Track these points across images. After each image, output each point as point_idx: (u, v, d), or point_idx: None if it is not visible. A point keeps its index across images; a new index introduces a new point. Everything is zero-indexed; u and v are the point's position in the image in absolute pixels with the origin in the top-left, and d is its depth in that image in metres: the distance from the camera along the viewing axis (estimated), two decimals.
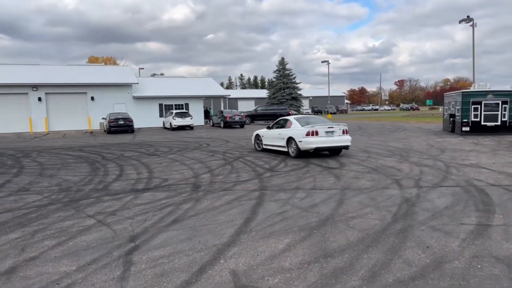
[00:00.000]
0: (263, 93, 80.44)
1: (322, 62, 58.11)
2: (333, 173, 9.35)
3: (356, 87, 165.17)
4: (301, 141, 11.90)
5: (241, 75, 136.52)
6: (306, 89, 77.66)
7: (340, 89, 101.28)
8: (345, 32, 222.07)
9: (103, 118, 28.93)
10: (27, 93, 29.37)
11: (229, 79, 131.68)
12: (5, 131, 27.82)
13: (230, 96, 46.75)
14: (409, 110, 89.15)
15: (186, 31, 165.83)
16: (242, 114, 32.58)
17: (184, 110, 31.74)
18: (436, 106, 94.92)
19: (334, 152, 12.81)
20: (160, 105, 34.09)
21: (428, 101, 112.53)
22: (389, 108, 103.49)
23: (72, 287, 3.64)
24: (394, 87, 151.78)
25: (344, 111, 79.47)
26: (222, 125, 31.25)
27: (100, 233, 5.23)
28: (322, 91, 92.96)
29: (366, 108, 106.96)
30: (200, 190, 7.87)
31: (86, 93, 31.06)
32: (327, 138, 11.99)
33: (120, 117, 26.21)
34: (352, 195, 7.02)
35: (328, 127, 12.17)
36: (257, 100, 78.12)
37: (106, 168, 11.13)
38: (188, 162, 11.94)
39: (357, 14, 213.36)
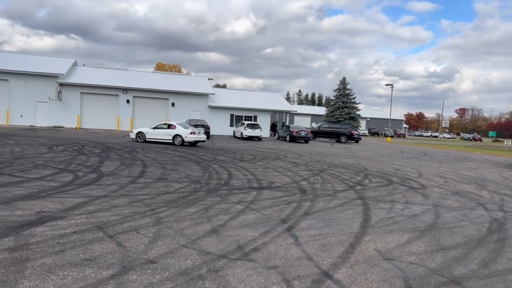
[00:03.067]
0: (320, 110, 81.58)
1: (386, 85, 58.17)
2: (419, 193, 10.56)
3: (412, 111, 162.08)
4: (186, 137, 21.40)
5: (300, 91, 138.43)
6: (363, 110, 77.62)
7: (396, 112, 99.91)
8: (406, 54, 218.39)
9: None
10: (117, 95, 32.88)
11: (287, 94, 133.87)
12: (97, 127, 31.42)
13: (296, 112, 48.41)
14: (471, 140, 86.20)
15: (245, 44, 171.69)
16: (308, 130, 34.02)
17: (255, 122, 33.80)
18: (500, 139, 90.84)
19: (196, 143, 22.28)
20: (232, 115, 36.53)
21: (491, 132, 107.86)
22: (449, 136, 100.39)
23: (267, 245, 5.29)
24: (455, 115, 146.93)
25: (402, 135, 78.47)
26: (288, 139, 32.87)
27: (255, 215, 6.92)
28: (380, 113, 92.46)
29: (424, 134, 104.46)
30: (308, 193, 9.42)
31: (168, 99, 34.15)
32: (198, 135, 21.94)
33: (199, 123, 28.69)
34: (445, 211, 8.25)
35: (198, 130, 22.38)
36: (313, 116, 79.47)
37: (213, 168, 13.02)
38: (279, 170, 13.56)
39: (420, 37, 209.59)
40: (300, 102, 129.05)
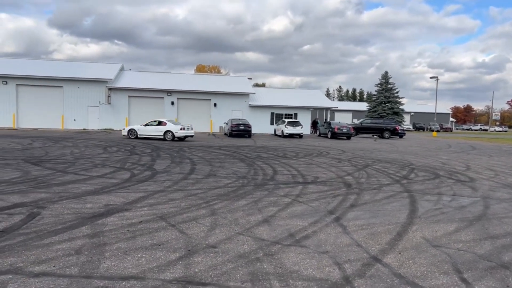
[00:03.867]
0: (361, 106, 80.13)
1: (431, 78, 56.25)
2: (467, 185, 10.43)
3: (460, 104, 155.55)
4: (177, 132, 23.28)
5: (340, 87, 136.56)
6: (407, 104, 75.38)
7: (442, 106, 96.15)
8: (451, 45, 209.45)
9: (224, 123, 32.48)
10: (162, 98, 34.24)
11: (327, 90, 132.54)
12: None
13: (336, 108, 48.09)
14: None
15: (283, 42, 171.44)
16: (350, 126, 33.74)
17: (295, 120, 34.02)
18: None
19: (185, 138, 24.06)
20: (272, 113, 36.96)
21: None
22: (500, 129, 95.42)
23: (316, 233, 5.60)
24: (506, 107, 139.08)
25: (448, 129, 75.58)
26: (329, 135, 32.79)
27: (303, 207, 7.23)
28: (424, 107, 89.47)
29: (473, 127, 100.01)
30: (353, 187, 9.60)
31: (210, 100, 35.13)
32: (187, 131, 23.74)
33: (241, 123, 29.33)
34: (495, 203, 8.18)
35: (187, 125, 24.15)
36: (355, 112, 78.18)
37: (258, 164, 13.44)
38: (323, 166, 13.76)
39: (466, 26, 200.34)
40: (341, 99, 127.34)
